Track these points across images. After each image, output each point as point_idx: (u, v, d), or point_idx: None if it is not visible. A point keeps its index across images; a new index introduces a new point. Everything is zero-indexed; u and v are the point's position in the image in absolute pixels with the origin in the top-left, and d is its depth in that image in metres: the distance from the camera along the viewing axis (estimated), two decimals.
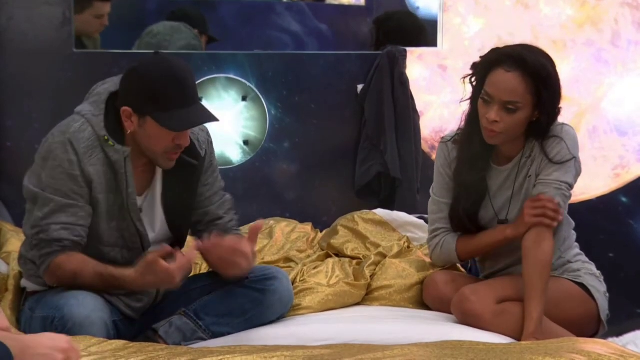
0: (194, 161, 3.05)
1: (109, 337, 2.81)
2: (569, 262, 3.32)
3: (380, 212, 3.97)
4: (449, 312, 3.24)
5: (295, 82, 4.51)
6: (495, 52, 3.19)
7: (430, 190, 3.39)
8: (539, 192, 3.17)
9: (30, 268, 3.02)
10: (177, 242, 3.08)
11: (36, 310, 2.94)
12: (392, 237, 3.82)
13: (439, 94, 4.60)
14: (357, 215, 3.92)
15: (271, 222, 4.13)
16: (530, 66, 3.10)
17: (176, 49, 4.43)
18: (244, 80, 4.44)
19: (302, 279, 3.44)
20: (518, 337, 3.04)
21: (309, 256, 3.79)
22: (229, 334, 3.04)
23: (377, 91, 4.45)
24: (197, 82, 4.28)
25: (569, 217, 3.34)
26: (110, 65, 4.21)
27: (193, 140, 3.04)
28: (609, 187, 4.66)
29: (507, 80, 3.11)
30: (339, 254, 3.76)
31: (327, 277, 3.44)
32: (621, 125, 4.63)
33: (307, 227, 4.11)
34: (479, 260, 3.48)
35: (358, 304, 3.44)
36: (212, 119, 2.96)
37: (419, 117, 4.52)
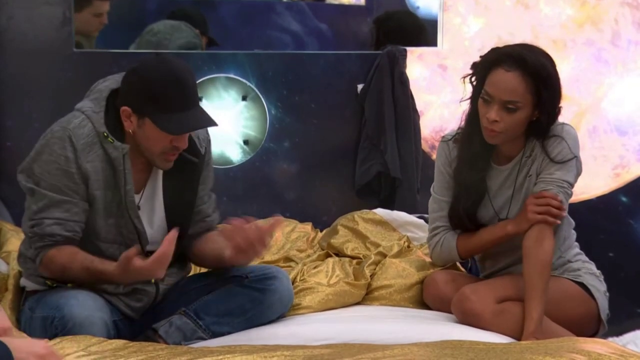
0: (194, 159, 3.06)
1: (109, 337, 2.82)
2: (569, 261, 3.32)
3: (380, 212, 3.97)
4: (449, 312, 3.24)
5: (295, 81, 4.51)
6: (495, 51, 3.19)
7: (431, 189, 3.39)
8: (541, 189, 3.17)
9: (30, 267, 3.02)
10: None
11: (36, 310, 2.94)
12: (392, 236, 3.82)
13: (439, 93, 4.60)
14: (357, 214, 3.92)
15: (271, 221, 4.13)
16: (530, 66, 3.10)
17: (176, 47, 4.43)
18: (244, 80, 4.44)
19: (302, 278, 3.44)
20: (518, 337, 3.04)
21: (309, 256, 3.79)
22: (229, 333, 3.04)
23: (377, 91, 4.45)
24: (197, 82, 4.31)
25: (569, 217, 3.34)
26: (111, 65, 4.21)
27: (193, 138, 3.05)
28: (609, 186, 4.66)
29: (507, 80, 3.11)
30: (339, 254, 3.76)
31: (327, 276, 3.44)
32: (621, 125, 4.63)
33: (307, 226, 4.11)
34: (479, 259, 3.48)
35: (358, 303, 3.44)
36: (211, 123, 2.95)
37: (419, 116, 4.52)
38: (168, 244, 2.79)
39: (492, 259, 3.38)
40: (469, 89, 3.23)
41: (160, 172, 3.05)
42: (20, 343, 2.06)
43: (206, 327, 3.03)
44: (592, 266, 3.35)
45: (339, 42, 4.73)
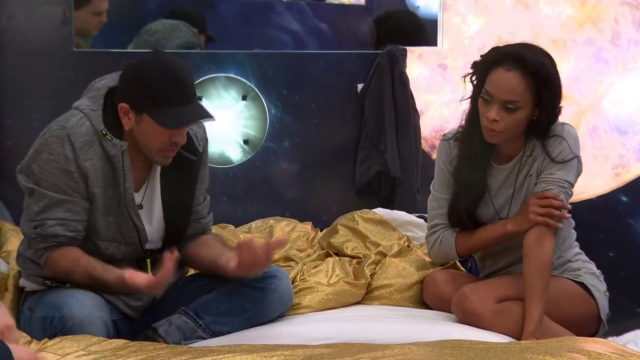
0: (192, 157, 3.06)
1: (109, 337, 2.82)
2: (569, 261, 3.32)
3: (380, 211, 3.97)
4: (449, 311, 3.23)
5: (295, 81, 4.51)
6: (495, 51, 3.19)
7: (431, 187, 3.38)
8: (542, 189, 3.16)
9: (29, 267, 3.02)
10: (174, 238, 3.08)
11: (35, 310, 2.94)
12: (392, 236, 3.82)
13: (438, 93, 4.60)
14: (357, 214, 3.92)
15: (271, 221, 4.13)
16: (531, 65, 3.10)
17: (175, 47, 4.42)
18: (244, 80, 4.44)
19: (302, 278, 3.44)
20: (518, 337, 3.04)
21: (309, 255, 3.79)
22: (228, 332, 3.04)
23: (377, 90, 4.45)
24: (197, 82, 4.31)
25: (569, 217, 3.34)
26: (110, 64, 4.20)
27: (191, 136, 3.05)
28: (609, 186, 4.66)
29: (507, 80, 3.11)
30: (339, 253, 3.76)
31: (327, 276, 3.44)
32: (621, 125, 4.63)
33: (307, 226, 4.11)
34: (478, 258, 3.48)
35: (358, 303, 3.44)
36: (208, 116, 2.96)
37: (418, 116, 4.52)
38: (168, 266, 2.80)
39: (492, 259, 3.38)
40: (469, 88, 3.23)
41: (159, 170, 3.05)
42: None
43: (206, 327, 3.03)
44: (592, 266, 3.35)
45: (339, 41, 4.74)
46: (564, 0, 4.59)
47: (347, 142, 4.53)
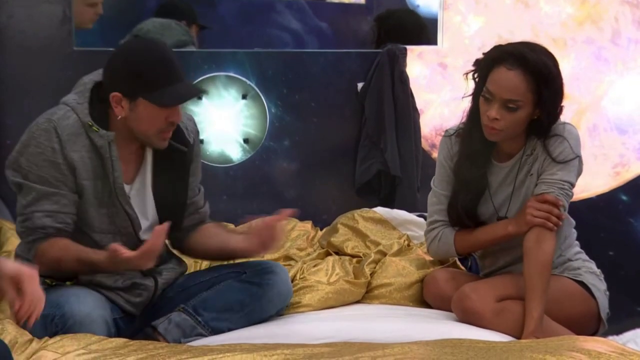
0: (183, 147, 3.07)
1: (110, 335, 2.82)
2: (569, 260, 3.31)
3: (380, 210, 3.97)
4: (450, 310, 3.23)
5: (295, 80, 4.51)
6: (497, 49, 3.19)
7: (431, 183, 3.38)
8: (542, 191, 3.16)
9: None
10: (170, 229, 3.08)
11: None
12: (392, 235, 3.82)
13: (439, 92, 4.60)
14: (357, 213, 3.92)
15: None
16: (532, 65, 3.09)
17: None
18: (244, 79, 4.44)
19: (302, 276, 3.44)
20: (518, 336, 3.04)
21: (309, 254, 3.79)
22: (228, 329, 3.04)
23: (377, 89, 4.45)
24: (197, 80, 4.32)
25: (569, 216, 3.34)
26: None
27: (182, 128, 3.06)
28: (609, 185, 4.66)
29: (508, 79, 3.11)
30: (339, 252, 3.76)
31: (327, 275, 3.44)
32: (621, 124, 4.63)
33: (307, 225, 4.11)
34: (479, 257, 3.48)
35: (358, 302, 3.44)
36: (202, 91, 3.11)
37: (419, 115, 4.52)
38: (157, 235, 2.80)
39: (492, 257, 3.38)
40: (471, 85, 3.23)
41: (150, 162, 3.06)
42: None
43: (205, 323, 3.03)
44: (592, 265, 3.35)
45: (339, 40, 4.74)
46: None
47: (347, 141, 4.53)
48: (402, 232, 3.86)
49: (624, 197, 4.67)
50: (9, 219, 3.94)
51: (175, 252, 3.25)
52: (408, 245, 3.74)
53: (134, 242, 3.01)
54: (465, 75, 3.24)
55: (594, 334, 3.26)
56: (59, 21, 4.29)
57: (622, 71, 4.62)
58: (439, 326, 3.08)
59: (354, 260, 3.66)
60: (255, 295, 3.09)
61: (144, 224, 3.04)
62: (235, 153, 4.48)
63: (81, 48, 4.32)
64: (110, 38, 4.45)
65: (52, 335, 2.77)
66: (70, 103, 2.97)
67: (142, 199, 3.05)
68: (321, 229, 4.07)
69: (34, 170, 2.92)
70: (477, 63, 3.21)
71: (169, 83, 2.91)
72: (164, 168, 3.07)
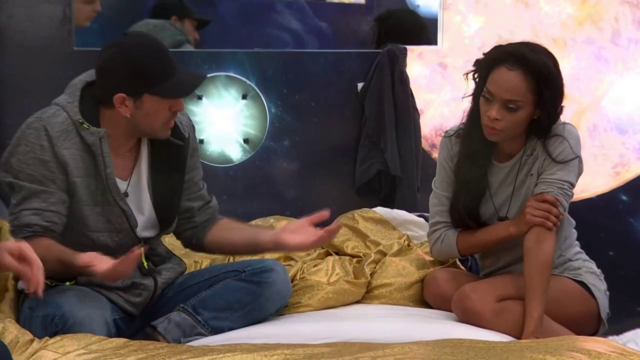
0: (179, 142, 3.07)
1: (110, 335, 2.82)
2: (570, 260, 3.31)
3: (380, 210, 3.97)
4: (450, 310, 3.23)
5: (295, 80, 4.51)
6: (498, 49, 3.19)
7: (432, 184, 3.38)
8: (542, 190, 3.16)
9: None
10: (164, 225, 3.10)
11: (36, 309, 2.93)
12: (392, 235, 3.82)
13: (439, 92, 4.60)
14: (357, 213, 3.92)
15: (271, 220, 4.13)
16: (532, 65, 3.09)
17: None
18: (244, 79, 4.45)
19: (302, 276, 3.44)
20: (518, 336, 3.04)
21: (308, 254, 3.79)
22: (228, 328, 3.04)
23: (377, 89, 4.45)
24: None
25: (569, 216, 3.34)
26: None
27: (177, 123, 3.07)
28: (609, 185, 4.66)
29: (509, 79, 3.11)
30: (339, 252, 3.76)
31: (327, 275, 3.44)
32: (621, 124, 4.63)
33: None
34: (479, 257, 3.48)
35: (358, 302, 3.44)
36: (203, 76, 3.10)
37: (419, 115, 4.52)
38: (133, 259, 2.73)
39: (493, 257, 3.38)
40: (471, 85, 3.23)
41: (146, 158, 3.06)
42: None
43: (205, 323, 3.03)
44: (593, 265, 3.35)
45: (339, 40, 4.74)
46: None
47: (347, 141, 4.54)
48: (402, 232, 3.86)
49: (624, 197, 4.67)
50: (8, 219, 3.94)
51: (189, 249, 3.27)
52: (408, 245, 3.74)
53: (132, 238, 3.02)
54: (465, 76, 3.24)
55: (594, 334, 3.26)
56: (59, 21, 4.29)
57: (622, 71, 4.62)
58: (439, 326, 3.08)
59: (354, 260, 3.66)
60: (255, 293, 3.09)
61: (140, 219, 3.04)
62: (236, 153, 4.48)
63: (81, 48, 4.32)
64: (110, 38, 4.40)
65: (52, 335, 2.76)
66: (61, 102, 2.99)
67: (138, 194, 3.05)
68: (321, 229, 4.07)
69: (23, 169, 2.92)
70: (477, 63, 3.21)
71: (170, 74, 2.93)
72: (160, 163, 3.07)
